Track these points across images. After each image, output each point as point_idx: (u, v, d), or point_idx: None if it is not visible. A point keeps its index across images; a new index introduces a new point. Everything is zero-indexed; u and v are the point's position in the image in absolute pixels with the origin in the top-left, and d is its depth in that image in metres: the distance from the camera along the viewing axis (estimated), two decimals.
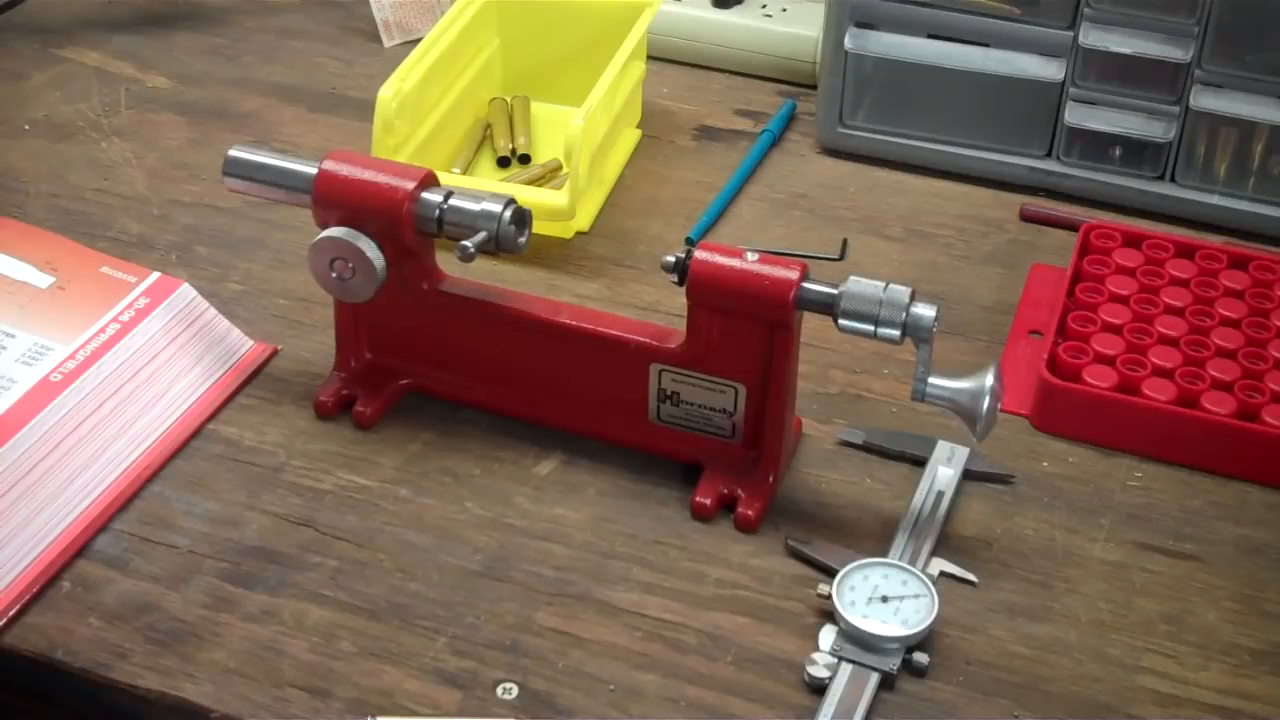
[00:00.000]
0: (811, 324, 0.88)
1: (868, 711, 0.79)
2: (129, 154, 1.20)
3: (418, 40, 1.17)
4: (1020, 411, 0.97)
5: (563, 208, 1.07)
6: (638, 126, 1.23)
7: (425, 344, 0.97)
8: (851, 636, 0.82)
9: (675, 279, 0.87)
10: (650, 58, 1.23)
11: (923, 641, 0.82)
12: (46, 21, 1.36)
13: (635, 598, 0.85)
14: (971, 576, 0.87)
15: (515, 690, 0.80)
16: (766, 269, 0.85)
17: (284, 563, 0.87)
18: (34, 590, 0.84)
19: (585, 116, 1.06)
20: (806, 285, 0.85)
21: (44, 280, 1.00)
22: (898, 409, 0.97)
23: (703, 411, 0.92)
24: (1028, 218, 1.15)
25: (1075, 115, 1.13)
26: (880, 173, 1.20)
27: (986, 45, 1.14)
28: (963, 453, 0.93)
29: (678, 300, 0.89)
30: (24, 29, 1.35)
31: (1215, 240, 1.09)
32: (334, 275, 0.92)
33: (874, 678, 0.80)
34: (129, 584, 0.86)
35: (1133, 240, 1.07)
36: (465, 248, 0.88)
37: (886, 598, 0.83)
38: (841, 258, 0.87)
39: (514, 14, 1.23)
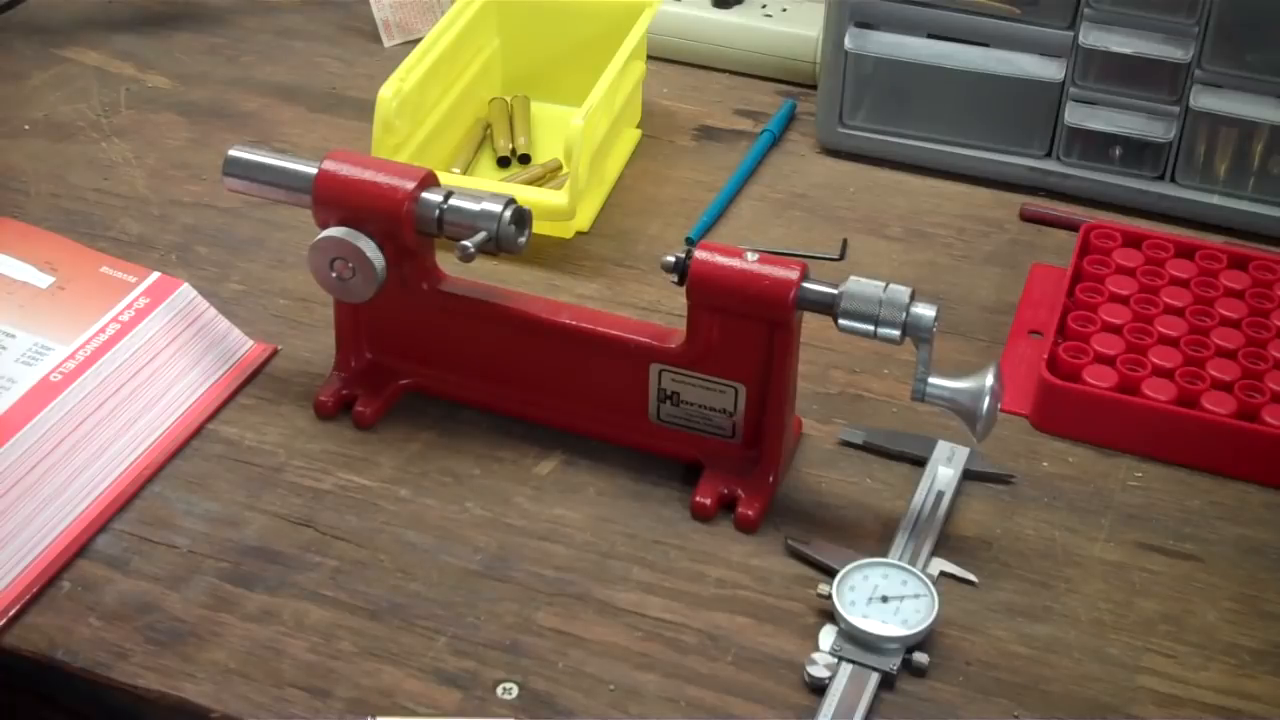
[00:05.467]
0: (811, 324, 0.88)
1: (868, 711, 0.79)
2: (129, 154, 1.20)
3: (418, 40, 1.16)
4: (1020, 411, 0.97)
5: (563, 208, 1.07)
6: (638, 126, 1.23)
7: (425, 344, 0.97)
8: (851, 636, 0.82)
9: (675, 279, 0.87)
10: (650, 58, 1.23)
11: (923, 641, 0.82)
12: (46, 21, 1.36)
13: (635, 598, 0.85)
14: (971, 576, 0.87)
15: (515, 690, 0.80)
16: (766, 269, 0.85)
17: (284, 563, 0.87)
18: (34, 590, 0.84)
19: (585, 116, 1.06)
20: (806, 285, 0.85)
21: (44, 280, 1.00)
22: (898, 409, 0.97)
23: (703, 411, 0.92)
24: (1028, 218, 1.15)
25: (1075, 115, 1.13)
26: (880, 173, 1.19)
27: (986, 45, 1.14)
28: (963, 453, 0.93)
29: (678, 300, 0.89)
30: (24, 29, 1.35)
31: (1215, 240, 1.09)
32: (334, 275, 0.92)
33: (874, 678, 0.80)
34: (129, 584, 0.86)
35: (1133, 240, 1.07)
36: (465, 248, 0.88)
37: (886, 598, 0.83)
38: (841, 258, 0.87)
39: (514, 14, 1.23)
